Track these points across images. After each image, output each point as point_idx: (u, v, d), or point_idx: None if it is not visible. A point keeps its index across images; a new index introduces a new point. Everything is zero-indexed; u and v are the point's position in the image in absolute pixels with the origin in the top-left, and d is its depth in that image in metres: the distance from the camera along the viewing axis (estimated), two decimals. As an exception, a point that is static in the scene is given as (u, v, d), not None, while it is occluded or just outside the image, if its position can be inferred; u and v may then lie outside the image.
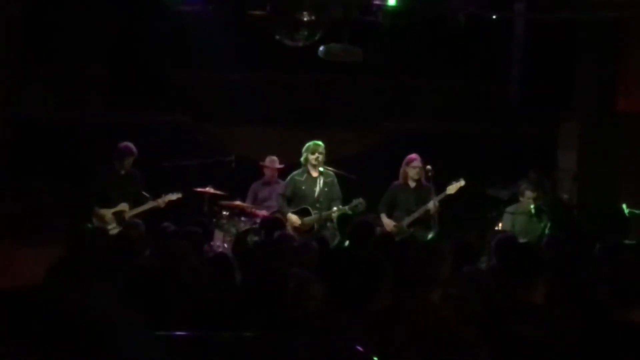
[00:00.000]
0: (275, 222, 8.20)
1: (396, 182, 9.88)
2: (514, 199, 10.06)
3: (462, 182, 9.63)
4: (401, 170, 9.84)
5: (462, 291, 4.64)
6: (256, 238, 7.84)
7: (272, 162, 10.51)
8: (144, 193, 9.78)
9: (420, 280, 3.85)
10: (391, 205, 9.84)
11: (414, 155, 9.84)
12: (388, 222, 9.71)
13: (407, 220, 9.64)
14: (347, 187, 9.86)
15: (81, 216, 8.18)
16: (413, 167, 9.75)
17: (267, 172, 10.52)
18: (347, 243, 7.78)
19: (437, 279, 3.88)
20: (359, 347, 3.31)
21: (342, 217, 9.28)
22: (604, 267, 4.67)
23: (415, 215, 9.62)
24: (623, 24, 11.39)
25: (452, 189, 9.60)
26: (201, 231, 7.64)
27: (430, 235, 9.36)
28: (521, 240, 9.00)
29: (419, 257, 3.91)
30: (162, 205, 9.69)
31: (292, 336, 3.74)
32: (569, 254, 6.03)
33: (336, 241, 9.13)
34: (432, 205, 9.51)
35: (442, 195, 9.59)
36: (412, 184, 9.79)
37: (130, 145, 9.83)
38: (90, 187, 9.70)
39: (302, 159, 9.82)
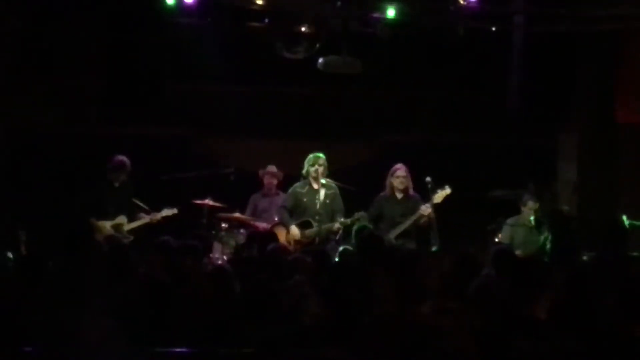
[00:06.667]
0: (267, 235, 8.14)
1: (382, 194, 9.74)
2: (513, 203, 9.97)
3: (447, 190, 9.44)
4: (387, 182, 9.72)
5: (464, 303, 4.59)
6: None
7: (271, 169, 10.49)
8: (137, 202, 9.78)
9: (409, 293, 3.82)
10: (377, 218, 9.63)
11: (398, 165, 9.72)
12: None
13: (393, 233, 9.46)
14: (346, 200, 9.81)
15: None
16: (397, 177, 9.64)
17: (266, 181, 10.48)
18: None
19: (426, 292, 3.85)
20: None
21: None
22: (608, 280, 4.63)
23: (402, 227, 9.48)
24: (622, 36, 11.39)
25: (438, 197, 9.43)
26: (201, 245, 7.59)
27: (413, 247, 9.26)
28: (520, 252, 9.01)
29: (407, 271, 3.89)
30: (157, 220, 9.71)
31: (288, 351, 3.71)
32: (572, 267, 5.99)
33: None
34: (418, 215, 9.40)
35: (427, 205, 9.40)
36: (398, 195, 9.66)
37: (124, 158, 9.88)
38: (86, 200, 9.75)
39: (303, 171, 9.77)
